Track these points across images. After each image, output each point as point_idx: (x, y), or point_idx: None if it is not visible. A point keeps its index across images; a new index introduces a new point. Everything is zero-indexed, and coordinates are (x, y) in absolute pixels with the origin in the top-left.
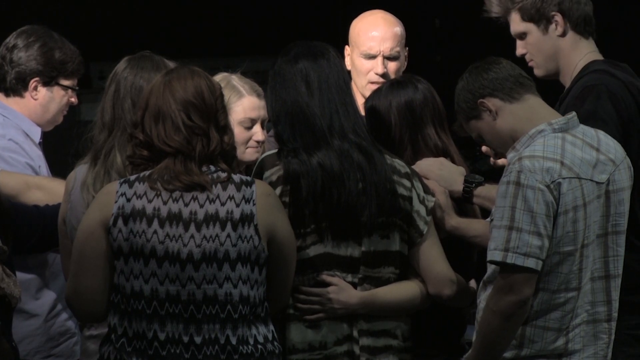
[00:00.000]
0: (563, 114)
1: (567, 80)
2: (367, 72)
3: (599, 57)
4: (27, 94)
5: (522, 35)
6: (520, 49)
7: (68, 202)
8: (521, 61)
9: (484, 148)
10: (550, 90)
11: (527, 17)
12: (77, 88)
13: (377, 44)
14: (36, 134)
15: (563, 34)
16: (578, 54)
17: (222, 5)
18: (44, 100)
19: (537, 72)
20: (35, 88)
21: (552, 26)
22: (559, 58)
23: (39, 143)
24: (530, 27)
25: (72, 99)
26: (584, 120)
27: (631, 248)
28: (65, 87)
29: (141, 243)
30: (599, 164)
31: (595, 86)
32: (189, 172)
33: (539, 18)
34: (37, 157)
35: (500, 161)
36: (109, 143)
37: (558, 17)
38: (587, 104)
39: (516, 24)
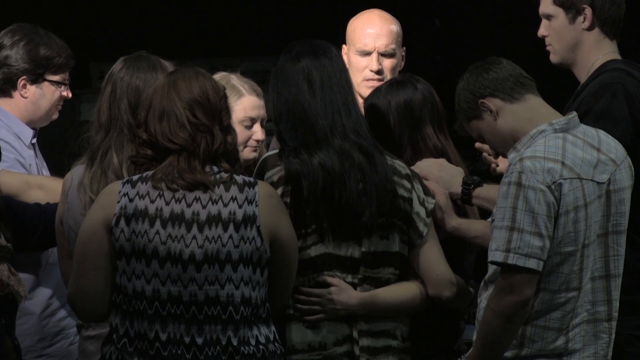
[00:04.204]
0: (577, 110)
1: (582, 74)
2: (363, 69)
3: (618, 57)
4: (16, 93)
5: (549, 17)
6: (542, 29)
7: (65, 202)
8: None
9: (477, 144)
10: (563, 85)
11: (558, 1)
12: (67, 83)
13: (372, 41)
14: (27, 135)
15: (589, 29)
16: (598, 51)
17: (221, 5)
18: (34, 98)
19: (553, 58)
20: (24, 86)
21: (580, 18)
22: (578, 51)
23: (33, 144)
24: (558, 11)
25: (64, 93)
26: (597, 118)
27: (638, 247)
28: (54, 83)
29: (143, 243)
30: (599, 164)
31: (612, 84)
32: (193, 170)
33: (569, 6)
34: (28, 157)
35: (499, 169)
36: (106, 143)
37: (588, 11)
38: (602, 101)
39: (546, 4)
